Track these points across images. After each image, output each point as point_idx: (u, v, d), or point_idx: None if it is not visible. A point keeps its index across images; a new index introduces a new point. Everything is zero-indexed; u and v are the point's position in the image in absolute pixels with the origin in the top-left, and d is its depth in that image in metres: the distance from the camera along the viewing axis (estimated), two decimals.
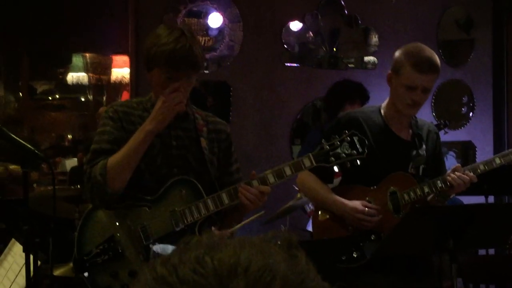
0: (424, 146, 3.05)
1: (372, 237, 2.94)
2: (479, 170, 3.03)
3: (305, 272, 0.78)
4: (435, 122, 5.33)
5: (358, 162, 2.62)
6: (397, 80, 2.93)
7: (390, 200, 2.97)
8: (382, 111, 3.04)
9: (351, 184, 3.00)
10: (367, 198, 2.98)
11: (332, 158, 2.59)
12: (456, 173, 2.95)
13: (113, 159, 2.47)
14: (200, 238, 0.79)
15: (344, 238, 2.84)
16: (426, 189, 2.96)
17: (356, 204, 2.92)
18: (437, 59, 2.94)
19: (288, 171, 2.58)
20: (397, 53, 2.99)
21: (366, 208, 2.91)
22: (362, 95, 4.54)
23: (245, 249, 0.76)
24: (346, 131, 2.63)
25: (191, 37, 2.51)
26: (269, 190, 2.55)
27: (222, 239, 0.79)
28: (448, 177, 2.95)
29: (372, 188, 2.99)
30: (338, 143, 2.60)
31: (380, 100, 3.13)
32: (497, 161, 3.06)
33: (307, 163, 2.59)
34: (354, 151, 2.59)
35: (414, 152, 3.02)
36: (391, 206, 2.97)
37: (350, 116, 3.05)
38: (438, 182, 2.96)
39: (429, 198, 3.01)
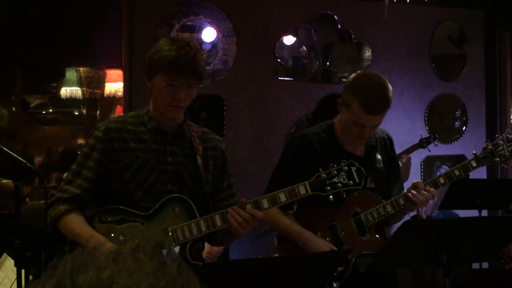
0: (378, 157, 3.03)
1: (340, 269, 2.86)
2: (440, 184, 3.01)
3: (173, 279, 0.77)
4: (426, 135, 5.34)
5: (355, 193, 2.61)
6: (347, 113, 2.89)
7: (354, 221, 2.93)
8: (335, 128, 3.00)
9: (309, 205, 2.95)
10: (334, 223, 2.94)
11: (328, 187, 2.58)
12: (417, 190, 2.93)
13: (66, 223, 2.50)
14: (67, 258, 0.78)
15: (336, 252, 2.81)
16: (389, 208, 2.93)
17: (323, 245, 2.87)
18: (388, 92, 2.84)
19: (283, 197, 2.57)
20: (348, 84, 2.91)
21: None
22: None
23: (109, 268, 0.75)
24: (344, 161, 2.61)
25: (196, 47, 2.53)
26: (262, 215, 2.53)
27: (90, 254, 0.77)
28: (409, 194, 2.92)
29: (335, 210, 2.94)
30: (335, 172, 2.59)
31: None
32: (457, 172, 3.05)
33: (302, 191, 2.57)
34: (351, 181, 2.58)
35: (370, 167, 2.99)
36: (356, 228, 2.94)
37: (302, 138, 3.02)
38: (401, 199, 2.94)
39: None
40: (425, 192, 2.91)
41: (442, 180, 3.01)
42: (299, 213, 2.99)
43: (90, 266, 0.76)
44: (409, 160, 4.83)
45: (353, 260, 2.88)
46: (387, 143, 3.10)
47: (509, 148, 3.10)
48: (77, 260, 0.77)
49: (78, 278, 0.74)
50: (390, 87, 2.86)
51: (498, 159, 3.11)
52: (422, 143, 5.23)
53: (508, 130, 3.35)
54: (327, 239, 2.93)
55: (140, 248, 0.80)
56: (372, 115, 2.81)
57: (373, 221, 2.92)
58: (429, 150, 5.32)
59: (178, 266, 0.79)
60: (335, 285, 2.84)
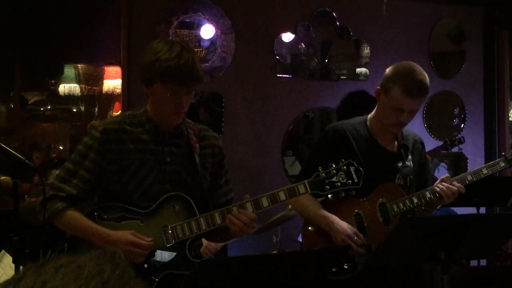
0: (410, 157, 3.06)
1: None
2: (467, 181, 3.04)
3: (105, 283, 0.82)
4: (424, 133, 5.35)
5: (353, 192, 2.62)
6: (385, 99, 2.95)
7: (380, 211, 2.97)
8: (368, 123, 3.06)
9: None
10: (356, 210, 2.98)
11: (327, 187, 2.58)
12: (444, 183, 2.96)
13: (66, 219, 2.48)
14: (23, 269, 0.83)
15: (335, 249, 2.83)
16: (415, 200, 2.97)
17: (346, 227, 2.92)
18: (427, 81, 2.94)
19: (282, 196, 2.57)
20: (388, 71, 2.99)
21: (355, 236, 2.90)
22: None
23: (48, 274, 0.80)
24: (343, 160, 2.63)
25: (192, 51, 2.52)
26: (256, 219, 2.54)
27: (42, 266, 0.83)
28: (437, 188, 2.96)
29: (361, 200, 2.98)
30: (335, 171, 2.60)
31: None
32: (484, 171, 3.09)
33: (301, 190, 2.58)
34: (350, 181, 2.59)
35: (401, 164, 3.03)
36: (381, 217, 2.97)
37: (336, 129, 3.06)
38: (427, 193, 2.97)
39: (416, 208, 3.03)
40: (453, 187, 2.95)
41: (469, 177, 3.06)
42: (327, 201, 3.03)
43: (35, 274, 0.81)
44: (429, 161, 4.87)
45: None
46: (419, 146, 3.16)
47: None
48: (28, 270, 0.82)
49: (20, 284, 0.79)
50: (428, 77, 2.96)
51: None
52: (446, 145, 5.24)
53: None
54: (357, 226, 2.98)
55: (93, 258, 0.85)
56: (411, 98, 2.88)
57: (398, 211, 2.96)
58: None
59: (120, 273, 0.84)
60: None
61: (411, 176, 3.05)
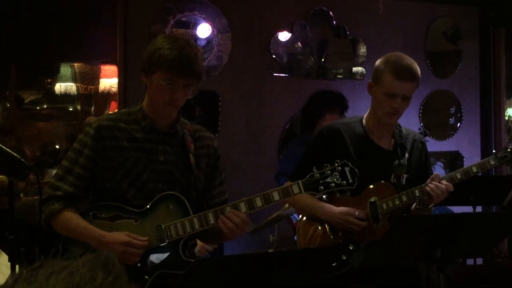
0: (406, 155, 3.06)
1: (351, 247, 2.96)
2: (456, 180, 3.04)
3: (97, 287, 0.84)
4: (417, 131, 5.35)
5: (348, 193, 2.63)
6: (377, 88, 2.98)
7: (370, 209, 2.99)
8: (363, 121, 3.08)
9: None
10: (372, 199, 3.01)
11: (321, 187, 2.59)
12: (433, 182, 2.96)
13: (62, 221, 2.48)
14: (19, 271, 0.85)
15: (330, 248, 2.83)
16: (404, 198, 2.98)
17: (345, 208, 2.96)
18: (417, 67, 2.99)
19: (276, 196, 2.57)
20: (378, 62, 3.04)
21: (356, 212, 2.94)
22: (341, 105, 4.63)
23: (38, 281, 0.82)
24: (338, 161, 2.63)
25: (195, 47, 2.54)
26: (248, 221, 2.54)
27: (35, 271, 0.84)
28: (426, 187, 2.96)
29: (353, 198, 3.00)
30: (329, 172, 2.60)
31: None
32: (474, 169, 3.09)
33: (295, 190, 2.59)
34: (344, 182, 2.59)
35: (396, 162, 3.03)
36: (370, 215, 2.99)
37: (331, 127, 3.09)
38: (416, 191, 2.98)
39: (412, 207, 3.04)
40: (441, 185, 2.95)
41: (459, 176, 3.05)
42: (321, 198, 3.06)
43: (26, 281, 0.82)
44: None
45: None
46: (419, 146, 3.16)
47: None
48: (19, 278, 0.83)
49: None
50: (417, 65, 3.03)
51: None
52: None
53: None
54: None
55: (85, 264, 0.85)
56: (402, 81, 2.92)
57: (387, 210, 2.97)
58: None
59: (113, 279, 0.85)
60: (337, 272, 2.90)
61: (407, 175, 3.05)
